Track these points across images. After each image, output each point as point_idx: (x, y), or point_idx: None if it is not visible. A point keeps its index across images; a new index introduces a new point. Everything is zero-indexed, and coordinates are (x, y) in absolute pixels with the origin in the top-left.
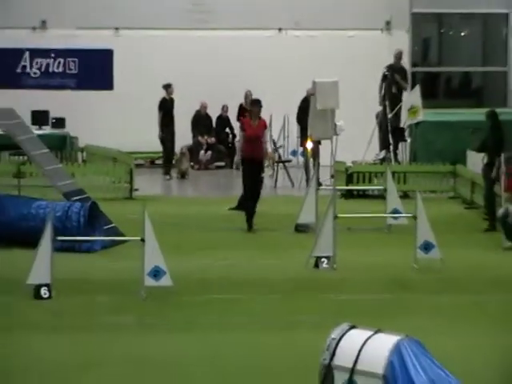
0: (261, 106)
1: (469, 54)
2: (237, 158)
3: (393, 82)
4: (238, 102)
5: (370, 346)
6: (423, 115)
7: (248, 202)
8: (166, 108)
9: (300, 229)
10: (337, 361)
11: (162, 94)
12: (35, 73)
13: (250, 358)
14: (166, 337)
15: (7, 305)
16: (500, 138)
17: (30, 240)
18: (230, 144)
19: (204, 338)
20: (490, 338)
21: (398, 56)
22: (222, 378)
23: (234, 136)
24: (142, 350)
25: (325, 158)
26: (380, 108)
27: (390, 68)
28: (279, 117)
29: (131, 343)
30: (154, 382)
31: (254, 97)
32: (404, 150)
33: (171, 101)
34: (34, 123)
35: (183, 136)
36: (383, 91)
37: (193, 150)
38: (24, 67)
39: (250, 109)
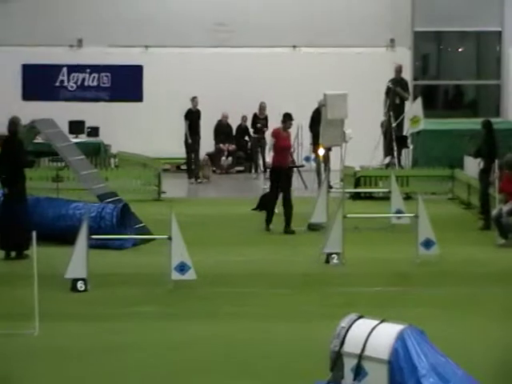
0: (292, 119)
1: (465, 69)
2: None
3: (395, 94)
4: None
5: (376, 334)
6: (423, 124)
7: (272, 204)
8: (191, 118)
9: (312, 227)
10: (346, 348)
11: (188, 105)
12: (72, 86)
13: (265, 345)
14: (190, 324)
15: (47, 297)
16: (494, 145)
17: (68, 238)
18: (248, 150)
19: (223, 326)
20: (484, 326)
21: (398, 69)
22: (239, 361)
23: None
24: (169, 335)
25: (335, 164)
26: (385, 118)
27: (392, 81)
28: (293, 126)
29: (159, 330)
30: (180, 364)
31: (268, 108)
32: (406, 156)
33: (197, 112)
34: (71, 132)
35: (206, 143)
36: (388, 103)
37: (215, 156)
38: (62, 81)
39: (284, 121)
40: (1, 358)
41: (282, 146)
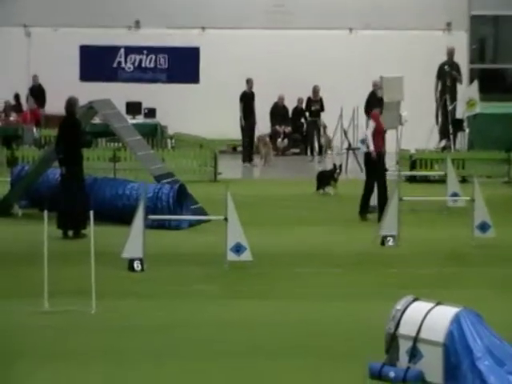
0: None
1: None
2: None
3: (450, 76)
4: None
5: (431, 317)
6: (480, 108)
7: (370, 190)
8: (246, 100)
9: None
10: (401, 330)
11: (244, 87)
12: (129, 68)
13: (319, 325)
14: (246, 303)
15: (104, 275)
16: None
17: (125, 218)
18: (304, 133)
19: (279, 305)
20: None
21: (451, 52)
22: (293, 341)
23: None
24: (225, 314)
25: (391, 146)
26: (438, 101)
27: (447, 64)
28: (349, 109)
29: (214, 309)
30: (233, 343)
31: (324, 90)
32: (462, 138)
33: (251, 94)
34: (128, 113)
35: (263, 125)
36: (439, 85)
37: (271, 138)
38: (119, 63)
39: (380, 105)
40: (59, 334)
41: (381, 129)
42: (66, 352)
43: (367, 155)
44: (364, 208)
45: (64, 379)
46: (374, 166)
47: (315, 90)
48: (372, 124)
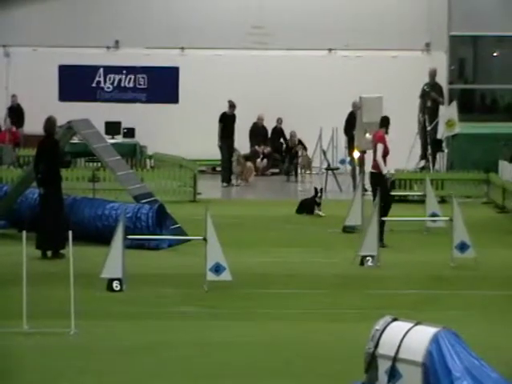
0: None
1: (501, 73)
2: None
3: (429, 97)
4: (292, 114)
5: (410, 337)
6: (459, 128)
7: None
8: (226, 121)
9: (347, 230)
10: (381, 350)
11: (223, 106)
12: (108, 88)
13: (301, 346)
14: (226, 324)
15: (83, 296)
16: None
17: (104, 238)
18: (283, 153)
19: (259, 326)
20: None
21: (433, 73)
22: (274, 362)
23: (287, 145)
24: (205, 335)
25: (370, 166)
26: (419, 121)
27: (427, 85)
28: (328, 129)
29: (194, 330)
30: (215, 362)
31: (304, 110)
32: (441, 159)
33: (233, 116)
34: (107, 133)
35: (242, 145)
36: (420, 105)
37: (250, 158)
38: (99, 82)
39: (386, 125)
40: (38, 355)
41: (388, 151)
42: (44, 373)
43: (379, 177)
44: (380, 236)
45: None
46: (385, 186)
47: (292, 136)
48: (381, 147)
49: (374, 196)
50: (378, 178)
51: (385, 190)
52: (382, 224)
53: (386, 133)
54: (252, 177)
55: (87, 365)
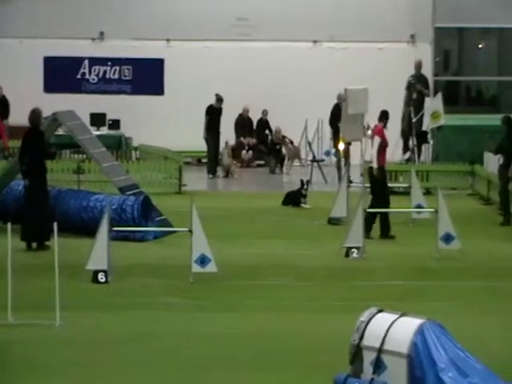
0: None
1: (486, 65)
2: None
3: (415, 89)
4: (277, 105)
5: (395, 328)
6: (444, 120)
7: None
8: (212, 113)
9: (333, 221)
10: (366, 341)
11: (209, 98)
12: (94, 79)
13: (286, 337)
14: (211, 316)
15: (69, 287)
16: None
17: (89, 230)
18: (268, 145)
19: (244, 317)
20: (503, 320)
21: (418, 65)
22: (259, 354)
23: (272, 138)
24: (190, 326)
25: (355, 158)
26: (404, 112)
27: (413, 77)
28: (314, 121)
29: (179, 321)
30: (200, 354)
31: (290, 102)
32: (427, 151)
33: (219, 109)
34: (92, 125)
35: (227, 137)
36: (406, 97)
37: (235, 150)
38: (84, 74)
39: (384, 119)
40: (23, 347)
41: (387, 144)
42: (30, 365)
43: (371, 172)
44: (387, 227)
45: None
46: (382, 181)
47: (277, 132)
48: (378, 139)
49: (372, 189)
50: (374, 172)
51: (381, 183)
52: (385, 216)
53: (385, 126)
54: (235, 170)
55: (73, 356)
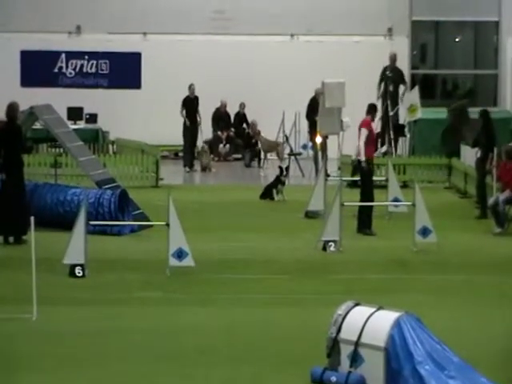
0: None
1: (463, 58)
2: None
3: (392, 82)
4: (254, 99)
5: (372, 322)
6: (421, 113)
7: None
8: (188, 105)
9: (310, 215)
10: (343, 334)
11: (186, 92)
12: (70, 73)
13: (262, 331)
14: (188, 310)
15: (45, 281)
16: (492, 134)
17: (66, 224)
18: (245, 139)
19: (221, 311)
20: (480, 313)
21: (393, 58)
22: (236, 347)
23: (249, 132)
24: (166, 320)
25: (332, 152)
26: (377, 103)
27: (388, 69)
28: (291, 114)
29: (157, 315)
30: (176, 347)
31: (267, 95)
32: (404, 144)
33: (195, 99)
34: (69, 118)
35: (205, 131)
36: (382, 90)
37: (213, 144)
38: (60, 68)
39: (372, 112)
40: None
41: (375, 136)
42: (6, 359)
43: (359, 165)
44: (368, 222)
45: None
46: (370, 174)
47: (253, 124)
48: (365, 132)
49: (362, 182)
50: (360, 167)
51: (368, 177)
52: (369, 211)
53: (373, 119)
54: (211, 165)
55: (49, 350)
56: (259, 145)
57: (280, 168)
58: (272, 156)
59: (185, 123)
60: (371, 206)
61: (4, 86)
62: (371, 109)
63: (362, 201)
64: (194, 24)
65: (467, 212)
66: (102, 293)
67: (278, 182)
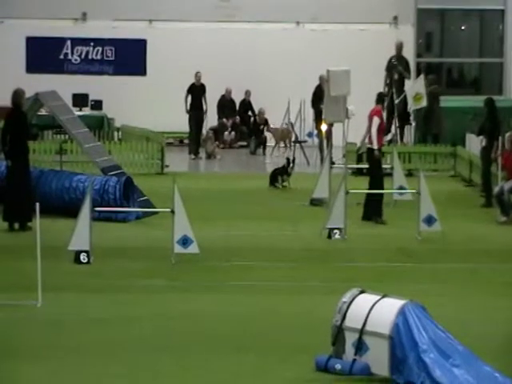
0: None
1: (468, 47)
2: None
3: (397, 70)
4: (260, 86)
5: (377, 310)
6: (427, 101)
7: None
8: (194, 92)
9: (315, 203)
10: (347, 322)
11: (191, 79)
12: (76, 60)
13: (267, 318)
14: (193, 296)
15: (50, 268)
16: (496, 123)
17: (71, 210)
18: (251, 126)
19: (226, 298)
20: (484, 301)
21: (399, 46)
22: (241, 335)
23: (255, 119)
24: (172, 307)
25: (337, 140)
26: (384, 92)
27: (395, 58)
28: (296, 102)
29: (162, 302)
30: (181, 335)
31: (272, 83)
32: (409, 132)
33: (201, 86)
34: (74, 105)
35: (210, 118)
36: (389, 79)
37: (218, 131)
38: (66, 55)
39: (382, 101)
40: (4, 328)
41: (385, 126)
42: (11, 346)
43: (370, 153)
44: (379, 210)
45: (9, 374)
46: (379, 162)
47: (260, 113)
48: (377, 120)
49: (371, 171)
50: (370, 155)
51: (377, 165)
52: (380, 198)
53: (383, 108)
54: (217, 152)
55: (53, 337)
56: (271, 135)
57: (287, 159)
58: (281, 144)
59: (187, 109)
60: (382, 194)
61: (9, 73)
62: (381, 97)
63: (371, 189)
64: (200, 11)
65: (472, 201)
66: (107, 279)
67: (285, 172)
